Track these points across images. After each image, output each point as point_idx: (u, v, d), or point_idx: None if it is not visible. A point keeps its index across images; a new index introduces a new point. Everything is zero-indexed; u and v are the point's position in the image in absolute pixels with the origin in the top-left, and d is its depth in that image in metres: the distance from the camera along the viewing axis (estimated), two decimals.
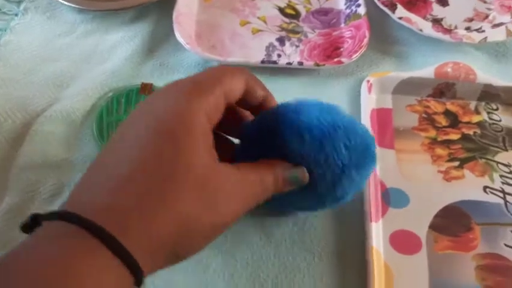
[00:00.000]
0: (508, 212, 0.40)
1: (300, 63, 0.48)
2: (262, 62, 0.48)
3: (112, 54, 0.50)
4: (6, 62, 0.48)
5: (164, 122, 0.26)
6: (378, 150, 0.42)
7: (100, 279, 0.21)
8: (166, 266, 0.26)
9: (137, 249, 0.23)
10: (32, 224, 0.24)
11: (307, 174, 0.32)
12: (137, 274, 0.23)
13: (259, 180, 0.29)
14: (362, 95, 0.47)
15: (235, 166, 0.28)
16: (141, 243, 0.23)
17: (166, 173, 0.25)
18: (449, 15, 0.55)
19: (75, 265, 0.21)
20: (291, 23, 0.54)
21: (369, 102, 0.46)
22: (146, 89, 0.46)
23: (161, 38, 0.52)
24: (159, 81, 0.47)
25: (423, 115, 0.46)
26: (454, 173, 0.42)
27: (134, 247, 0.22)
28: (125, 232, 0.23)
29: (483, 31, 0.51)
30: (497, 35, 0.50)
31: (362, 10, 0.52)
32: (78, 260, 0.21)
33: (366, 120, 0.45)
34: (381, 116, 0.46)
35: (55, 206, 0.39)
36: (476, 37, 0.50)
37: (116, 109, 0.45)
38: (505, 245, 0.38)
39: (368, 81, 0.47)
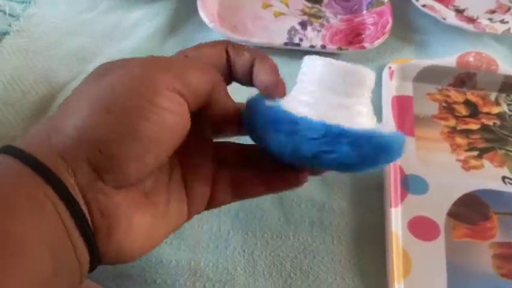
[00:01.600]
0: None
1: (323, 47, 0.48)
2: (285, 44, 0.48)
3: (134, 31, 0.50)
4: (30, 34, 0.48)
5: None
6: None
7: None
8: (106, 164, 0.23)
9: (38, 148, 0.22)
10: None
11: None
12: (60, 188, 0.22)
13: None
14: (383, 82, 0.47)
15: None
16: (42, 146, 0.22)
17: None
18: (472, 6, 0.55)
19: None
20: (313, 7, 0.54)
21: (390, 89, 0.46)
22: None
23: (183, 17, 0.52)
24: None
25: (444, 104, 0.46)
26: (473, 162, 0.42)
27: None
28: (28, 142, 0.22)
29: (506, 22, 0.51)
30: None
31: None
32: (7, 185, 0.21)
33: (387, 107, 0.45)
34: (402, 103, 0.46)
35: None
36: (500, 28, 0.50)
37: None
38: None
39: (390, 67, 0.47)
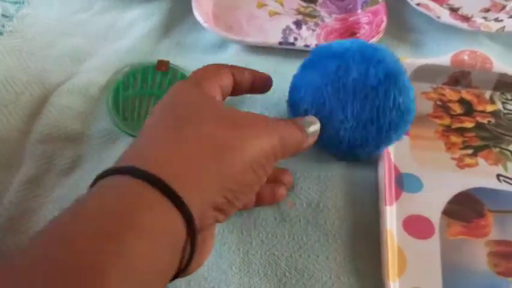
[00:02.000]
0: None
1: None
2: (280, 43, 0.48)
3: (129, 31, 0.50)
4: (24, 34, 0.48)
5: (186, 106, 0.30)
6: None
7: (160, 226, 0.23)
8: (226, 204, 0.28)
9: (184, 191, 0.25)
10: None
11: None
12: (191, 224, 0.25)
13: (284, 123, 0.33)
14: None
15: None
16: (193, 197, 0.25)
17: (191, 119, 0.29)
18: (466, 4, 0.55)
19: (139, 213, 0.23)
20: (308, 6, 0.54)
21: None
22: (162, 65, 0.46)
23: (178, 17, 0.52)
24: (175, 60, 0.47)
25: (438, 102, 0.46)
26: (468, 160, 0.42)
27: (187, 198, 0.25)
28: (182, 186, 0.25)
29: (501, 20, 0.51)
30: None
31: None
32: (140, 208, 0.23)
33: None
34: None
35: (71, 179, 0.39)
36: (494, 26, 0.50)
37: (132, 84, 0.45)
38: None
39: None
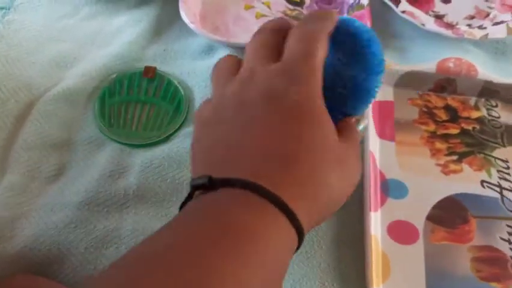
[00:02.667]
0: (505, 206, 0.40)
1: None
2: None
3: (117, 37, 0.50)
4: (10, 40, 0.48)
5: (291, 108, 0.28)
6: (379, 142, 0.43)
7: (277, 241, 0.24)
8: (316, 225, 0.29)
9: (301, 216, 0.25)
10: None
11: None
12: (301, 238, 0.25)
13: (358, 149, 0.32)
14: None
15: (342, 138, 0.30)
16: (303, 213, 0.25)
17: (313, 150, 0.27)
18: (451, 12, 0.55)
19: (261, 229, 0.23)
20: (294, 9, 0.54)
21: None
22: (149, 72, 0.46)
23: (166, 23, 0.52)
24: (163, 66, 0.47)
25: (424, 109, 0.47)
26: (452, 166, 0.43)
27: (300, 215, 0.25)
28: (295, 203, 0.25)
29: (484, 28, 0.51)
30: (498, 32, 0.50)
31: (365, 1, 0.53)
32: (262, 224, 0.24)
33: (368, 112, 0.45)
34: (383, 108, 0.46)
35: (56, 186, 0.39)
36: (478, 33, 0.50)
37: (118, 91, 0.45)
38: (501, 238, 0.39)
39: None
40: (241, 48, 0.49)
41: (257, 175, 0.25)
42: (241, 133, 0.28)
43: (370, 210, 0.38)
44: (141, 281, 0.20)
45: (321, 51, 0.28)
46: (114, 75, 0.45)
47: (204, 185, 0.25)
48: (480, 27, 0.52)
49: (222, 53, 0.50)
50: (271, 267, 0.23)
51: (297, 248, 0.26)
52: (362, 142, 0.43)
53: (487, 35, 0.50)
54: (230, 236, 0.22)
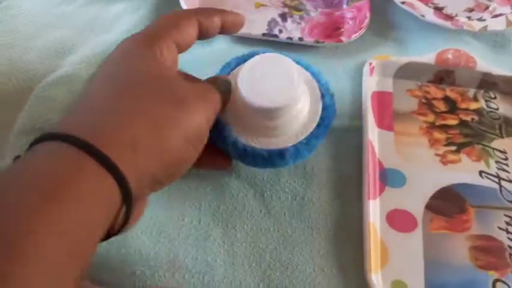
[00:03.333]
0: (503, 196, 0.41)
1: (301, 39, 0.48)
2: (264, 34, 0.48)
3: (115, 24, 0.50)
4: (7, 26, 0.48)
5: (123, 58, 0.30)
6: (378, 132, 0.43)
7: (82, 186, 0.23)
8: (162, 175, 0.28)
9: (115, 154, 0.24)
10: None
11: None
12: (121, 181, 0.24)
13: (213, 90, 0.33)
14: (363, 78, 0.47)
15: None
16: (117, 149, 0.25)
17: (134, 87, 0.28)
18: (450, 4, 0.55)
19: (72, 178, 0.23)
20: (294, 0, 0.54)
21: (370, 84, 0.46)
22: None
23: (165, 10, 0.51)
24: None
25: (423, 100, 0.47)
26: (451, 157, 0.43)
27: (112, 153, 0.24)
28: (117, 155, 0.25)
29: (484, 20, 0.51)
30: (497, 25, 0.51)
31: None
32: (73, 172, 0.23)
33: (366, 102, 0.45)
34: (382, 98, 0.46)
35: None
36: (477, 25, 0.50)
37: None
38: (498, 227, 0.39)
39: (371, 63, 0.47)
40: (239, 37, 0.49)
41: (70, 126, 0.25)
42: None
43: (369, 199, 0.38)
44: None
45: None
46: None
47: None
48: (479, 19, 0.52)
49: (220, 41, 0.49)
50: (79, 222, 0.23)
51: (128, 208, 0.26)
52: (360, 131, 0.43)
53: (486, 27, 0.50)
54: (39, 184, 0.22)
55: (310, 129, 0.36)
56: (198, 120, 0.29)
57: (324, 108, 0.37)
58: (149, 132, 0.27)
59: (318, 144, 0.36)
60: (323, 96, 0.37)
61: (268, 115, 0.34)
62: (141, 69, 0.29)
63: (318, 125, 0.36)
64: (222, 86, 0.34)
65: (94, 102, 0.28)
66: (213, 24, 0.35)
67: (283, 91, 0.33)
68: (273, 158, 0.35)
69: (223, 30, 0.36)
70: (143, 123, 0.27)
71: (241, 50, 0.48)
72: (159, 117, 0.27)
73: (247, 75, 0.34)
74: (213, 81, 0.34)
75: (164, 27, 0.32)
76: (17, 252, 0.20)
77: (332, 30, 0.52)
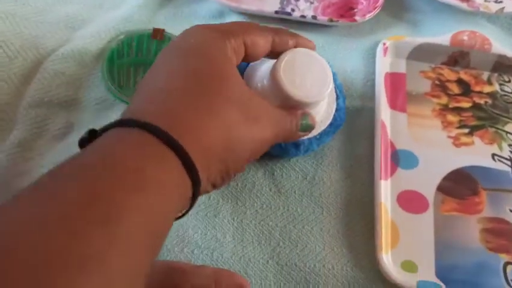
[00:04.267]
0: None
1: (314, 18, 0.47)
2: (276, 12, 0.47)
3: (126, 0, 0.49)
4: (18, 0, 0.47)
5: (203, 50, 0.29)
6: (390, 113, 0.43)
7: (163, 178, 0.23)
8: (220, 181, 0.28)
9: (193, 153, 0.24)
10: (89, 138, 0.25)
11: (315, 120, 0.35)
12: (195, 179, 0.24)
13: (289, 118, 0.33)
14: (377, 58, 0.46)
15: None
16: (195, 147, 0.25)
17: (214, 88, 0.28)
18: None
19: (142, 163, 0.23)
20: None
21: (383, 65, 0.46)
22: (158, 34, 0.45)
23: None
24: (172, 30, 0.46)
25: (436, 82, 0.46)
26: (464, 139, 0.42)
27: (191, 150, 0.24)
28: (183, 137, 0.24)
29: (500, 2, 0.50)
30: None
31: None
32: (144, 158, 0.23)
33: (379, 83, 0.44)
34: (395, 80, 0.46)
35: (64, 144, 0.39)
36: (493, 7, 0.49)
37: (127, 52, 0.44)
38: (510, 210, 0.39)
39: (384, 44, 0.47)
40: (251, 15, 0.48)
41: (145, 112, 0.25)
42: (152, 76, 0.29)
43: (380, 179, 0.38)
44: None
45: None
46: (122, 37, 0.45)
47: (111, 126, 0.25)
48: (496, 1, 0.51)
49: (232, 18, 0.49)
50: (159, 212, 0.23)
51: (192, 203, 0.26)
52: (373, 112, 0.42)
53: (502, 8, 0.49)
54: (117, 177, 0.22)
55: (323, 127, 0.38)
56: (263, 140, 0.30)
57: (337, 110, 0.38)
58: (220, 136, 0.27)
59: (328, 141, 0.39)
60: (337, 97, 0.39)
61: (298, 107, 0.34)
62: (214, 64, 0.29)
63: (331, 124, 0.38)
64: (302, 126, 0.34)
65: (170, 90, 0.27)
66: (285, 46, 0.34)
67: (319, 87, 0.34)
68: (289, 149, 0.37)
69: None
70: (220, 131, 0.27)
71: None
72: (230, 124, 0.27)
73: (284, 67, 0.34)
74: (293, 114, 0.33)
75: (238, 28, 0.32)
76: (109, 234, 0.20)
77: (345, 10, 0.51)
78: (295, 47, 0.35)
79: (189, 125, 0.25)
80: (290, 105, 0.33)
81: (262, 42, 0.32)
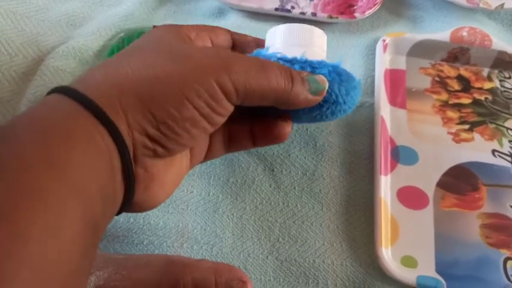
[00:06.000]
0: None
1: (314, 14, 0.48)
2: (276, 9, 0.48)
3: None
4: None
5: (153, 34, 0.30)
6: (390, 109, 0.43)
7: (74, 131, 0.23)
8: (153, 130, 0.25)
9: (98, 99, 0.24)
10: None
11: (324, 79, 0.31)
12: (107, 123, 0.24)
13: (261, 64, 0.29)
14: (376, 54, 0.46)
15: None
16: (98, 93, 0.24)
17: (141, 47, 0.29)
18: None
19: (70, 132, 0.22)
20: None
21: (383, 61, 0.46)
22: None
23: None
24: None
25: (436, 78, 0.46)
26: (464, 135, 0.42)
27: (96, 98, 0.24)
28: (90, 89, 0.24)
29: None
30: None
31: None
32: (71, 125, 0.23)
33: (379, 79, 0.44)
34: (395, 76, 0.46)
35: None
36: (493, 3, 0.49)
37: None
38: (510, 206, 0.38)
39: (384, 40, 0.47)
40: (251, 12, 0.48)
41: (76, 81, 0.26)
42: None
43: (380, 174, 0.38)
44: None
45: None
46: (122, 34, 0.45)
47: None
48: None
49: (231, 15, 0.49)
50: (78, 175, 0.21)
51: (124, 165, 0.24)
52: (372, 108, 0.42)
53: (502, 4, 0.49)
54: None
55: None
56: (195, 79, 0.26)
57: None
58: (141, 86, 0.25)
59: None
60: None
61: None
62: (159, 38, 0.30)
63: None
64: (312, 88, 0.31)
65: (106, 62, 0.28)
66: (246, 39, 0.36)
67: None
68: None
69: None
70: (135, 77, 0.25)
71: (254, 25, 0.47)
72: (151, 70, 0.26)
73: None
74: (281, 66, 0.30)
75: (200, 26, 0.33)
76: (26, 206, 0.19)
77: (345, 7, 0.51)
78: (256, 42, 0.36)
79: (97, 77, 0.25)
80: None
81: (225, 37, 0.34)
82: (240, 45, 0.35)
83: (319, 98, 0.31)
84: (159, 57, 0.27)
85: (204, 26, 0.34)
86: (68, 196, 0.20)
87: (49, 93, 0.25)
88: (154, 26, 0.45)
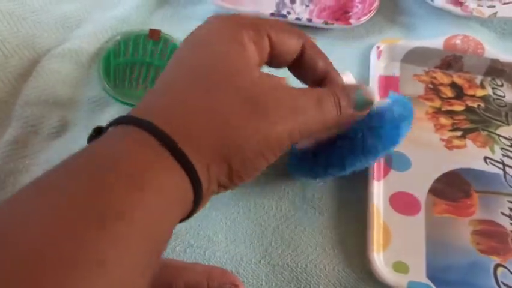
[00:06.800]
0: (507, 182, 0.40)
1: (309, 20, 0.48)
2: (272, 14, 0.48)
3: (123, 0, 0.49)
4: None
5: (212, 41, 0.28)
6: None
7: (162, 178, 0.22)
8: (226, 180, 0.26)
9: (189, 151, 0.23)
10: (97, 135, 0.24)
11: (373, 92, 0.31)
12: (194, 178, 0.23)
13: (316, 98, 0.28)
14: (371, 61, 0.47)
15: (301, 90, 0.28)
16: (190, 144, 0.23)
17: (216, 80, 0.26)
18: None
19: (140, 165, 0.22)
20: None
21: (377, 68, 0.46)
22: (154, 34, 0.45)
23: None
24: (168, 31, 0.47)
25: (430, 85, 0.47)
26: (456, 142, 0.43)
27: (186, 148, 0.23)
28: (178, 134, 0.23)
29: (493, 6, 0.51)
30: (507, 12, 0.50)
31: None
32: (145, 161, 0.22)
33: (373, 85, 0.45)
34: (388, 82, 0.46)
35: (59, 143, 0.39)
36: (486, 11, 0.50)
37: (123, 52, 0.45)
38: (502, 213, 0.39)
39: (378, 47, 0.47)
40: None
41: (148, 110, 0.24)
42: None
43: (373, 179, 0.38)
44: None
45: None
46: (118, 37, 0.45)
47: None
48: (489, 6, 0.51)
49: None
50: (158, 214, 0.22)
51: (196, 205, 0.25)
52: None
53: (495, 13, 0.50)
54: (116, 179, 0.21)
55: None
56: (273, 134, 0.26)
57: None
58: (224, 136, 0.25)
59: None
60: None
61: None
62: (225, 59, 0.27)
63: None
64: (358, 102, 0.30)
65: (172, 85, 0.26)
66: (317, 61, 0.32)
67: None
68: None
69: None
70: (216, 127, 0.25)
71: None
72: (233, 121, 0.25)
73: None
74: (340, 88, 0.30)
75: (263, 21, 0.29)
76: (109, 233, 0.19)
77: (341, 13, 0.51)
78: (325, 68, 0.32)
79: (185, 123, 0.24)
80: None
81: (293, 43, 0.30)
82: (307, 65, 0.32)
83: (362, 113, 0.31)
84: (227, 97, 0.25)
85: (272, 24, 0.30)
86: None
87: (127, 122, 0.24)
88: (150, 30, 0.45)
